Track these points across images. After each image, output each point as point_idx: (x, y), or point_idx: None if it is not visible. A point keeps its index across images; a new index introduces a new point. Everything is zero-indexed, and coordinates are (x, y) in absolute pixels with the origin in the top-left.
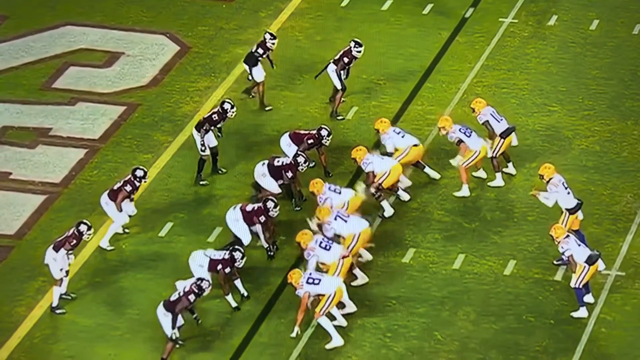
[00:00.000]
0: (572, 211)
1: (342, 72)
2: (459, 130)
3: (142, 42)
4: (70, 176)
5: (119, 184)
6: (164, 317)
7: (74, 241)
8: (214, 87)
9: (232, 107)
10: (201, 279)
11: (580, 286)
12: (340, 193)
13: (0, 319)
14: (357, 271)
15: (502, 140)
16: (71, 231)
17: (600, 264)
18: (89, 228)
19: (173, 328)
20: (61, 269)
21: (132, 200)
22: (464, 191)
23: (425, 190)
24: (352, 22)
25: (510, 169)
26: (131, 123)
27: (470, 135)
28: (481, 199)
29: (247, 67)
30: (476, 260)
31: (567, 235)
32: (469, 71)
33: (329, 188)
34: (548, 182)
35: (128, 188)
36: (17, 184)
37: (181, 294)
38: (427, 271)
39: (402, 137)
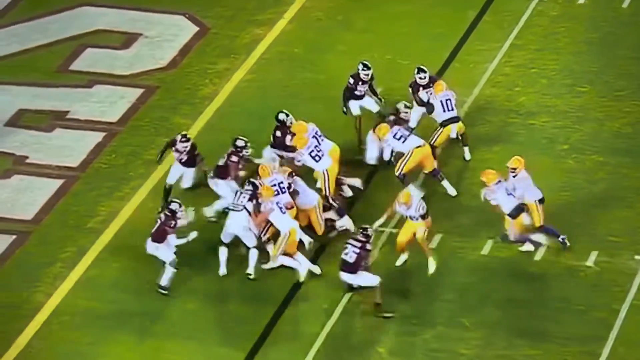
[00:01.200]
0: (542, 201)
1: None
2: (393, 137)
3: (160, 23)
4: (87, 160)
5: (222, 160)
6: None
7: (172, 222)
8: (233, 69)
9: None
10: (170, 202)
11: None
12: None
13: (18, 305)
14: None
15: (441, 129)
16: (163, 217)
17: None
18: (180, 205)
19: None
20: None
21: (242, 169)
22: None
23: (452, 174)
24: (374, 1)
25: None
26: (150, 106)
27: (405, 140)
28: None
29: (342, 101)
30: (504, 245)
31: (499, 181)
32: (497, 51)
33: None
34: (515, 176)
35: (234, 159)
36: (33, 169)
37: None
38: (454, 257)
39: (403, 141)
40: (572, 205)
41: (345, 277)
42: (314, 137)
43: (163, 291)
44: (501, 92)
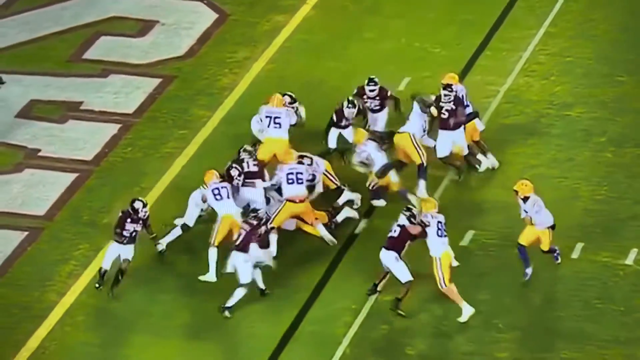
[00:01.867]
0: (553, 227)
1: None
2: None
3: (177, 10)
4: (102, 153)
5: (249, 163)
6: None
7: (258, 231)
8: (254, 58)
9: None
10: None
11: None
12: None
13: (30, 305)
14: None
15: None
16: (247, 226)
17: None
18: (261, 219)
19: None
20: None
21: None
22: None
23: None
24: None
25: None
26: (167, 96)
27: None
28: (546, 177)
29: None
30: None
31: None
32: (531, 39)
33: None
34: (524, 199)
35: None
36: (46, 162)
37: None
38: (487, 255)
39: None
40: (609, 201)
41: (384, 255)
42: None
43: (227, 313)
44: (535, 82)
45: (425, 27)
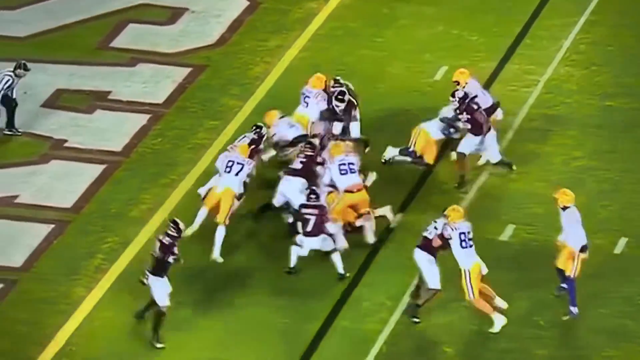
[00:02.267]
0: (584, 249)
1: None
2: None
3: None
4: (131, 144)
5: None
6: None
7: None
8: (286, 46)
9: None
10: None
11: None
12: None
13: (57, 300)
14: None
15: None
16: (315, 211)
17: None
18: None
19: None
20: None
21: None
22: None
23: (525, 160)
24: None
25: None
26: (197, 86)
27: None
28: (588, 169)
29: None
30: None
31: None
32: (572, 27)
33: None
34: (563, 209)
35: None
36: (73, 153)
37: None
38: (528, 250)
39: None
40: None
41: (418, 254)
42: None
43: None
44: (576, 72)
45: (462, 14)
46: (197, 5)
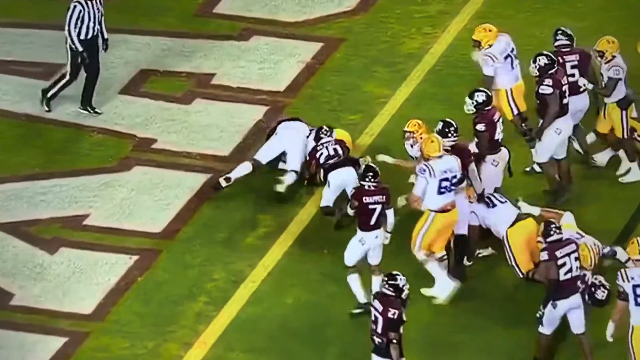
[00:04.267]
0: None
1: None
2: None
3: None
4: (243, 146)
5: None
6: None
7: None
8: (452, 13)
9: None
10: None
11: None
12: None
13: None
14: None
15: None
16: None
17: None
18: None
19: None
20: None
21: None
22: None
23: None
24: None
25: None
26: (330, 67)
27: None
28: None
29: None
30: None
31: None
32: None
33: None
34: None
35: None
36: (163, 157)
37: None
38: None
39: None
40: None
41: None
42: None
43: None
44: None
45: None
46: None
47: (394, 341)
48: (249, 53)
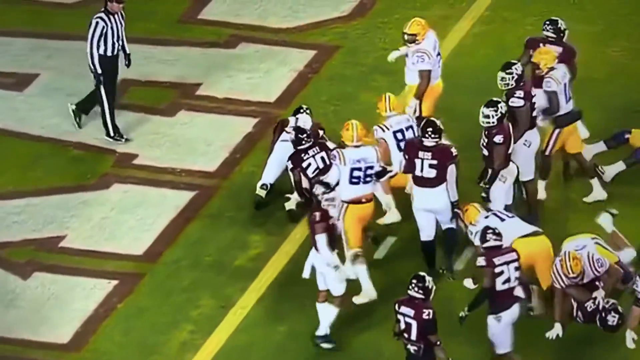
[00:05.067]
0: None
1: None
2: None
3: None
4: (231, 161)
5: None
6: None
7: None
8: (454, 17)
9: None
10: None
11: None
12: None
13: None
14: None
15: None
16: None
17: None
18: None
19: None
20: None
21: None
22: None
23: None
24: None
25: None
26: (325, 76)
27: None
28: None
29: None
30: None
31: None
32: None
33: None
34: None
35: None
36: (146, 173)
37: None
38: None
39: None
40: None
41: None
42: None
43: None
44: None
45: None
46: None
47: (438, 343)
48: (237, 61)
